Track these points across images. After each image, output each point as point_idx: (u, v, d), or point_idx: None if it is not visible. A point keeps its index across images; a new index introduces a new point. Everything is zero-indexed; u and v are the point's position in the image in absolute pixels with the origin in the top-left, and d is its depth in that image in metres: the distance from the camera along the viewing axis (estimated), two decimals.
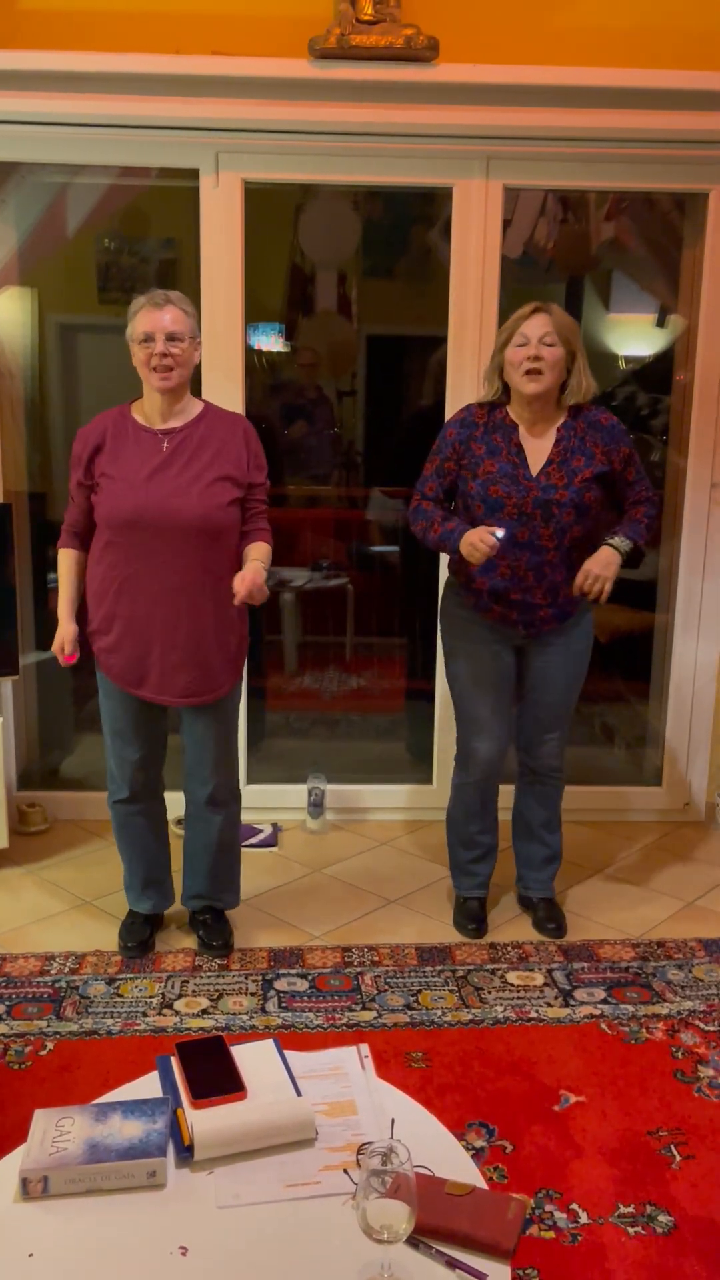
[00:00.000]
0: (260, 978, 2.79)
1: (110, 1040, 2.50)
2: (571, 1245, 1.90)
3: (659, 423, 4.07)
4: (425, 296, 3.95)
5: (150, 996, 2.69)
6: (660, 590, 3.94)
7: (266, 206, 3.66)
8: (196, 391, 2.78)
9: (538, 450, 2.77)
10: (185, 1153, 1.52)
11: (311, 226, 4.21)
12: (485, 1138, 2.18)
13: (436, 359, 3.71)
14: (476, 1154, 2.12)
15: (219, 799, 2.83)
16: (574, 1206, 2.00)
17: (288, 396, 4.51)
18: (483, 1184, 1.50)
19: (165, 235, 4.17)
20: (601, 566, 2.74)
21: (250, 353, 3.64)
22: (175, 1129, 1.56)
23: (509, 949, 2.96)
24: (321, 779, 3.76)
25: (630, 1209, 1.99)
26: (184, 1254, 1.37)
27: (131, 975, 2.79)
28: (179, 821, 3.14)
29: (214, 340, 3.44)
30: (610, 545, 2.77)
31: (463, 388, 3.53)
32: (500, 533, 2.61)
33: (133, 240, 4.17)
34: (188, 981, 2.77)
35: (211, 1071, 1.66)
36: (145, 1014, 2.61)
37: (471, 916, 3.06)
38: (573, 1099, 2.30)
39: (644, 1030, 2.56)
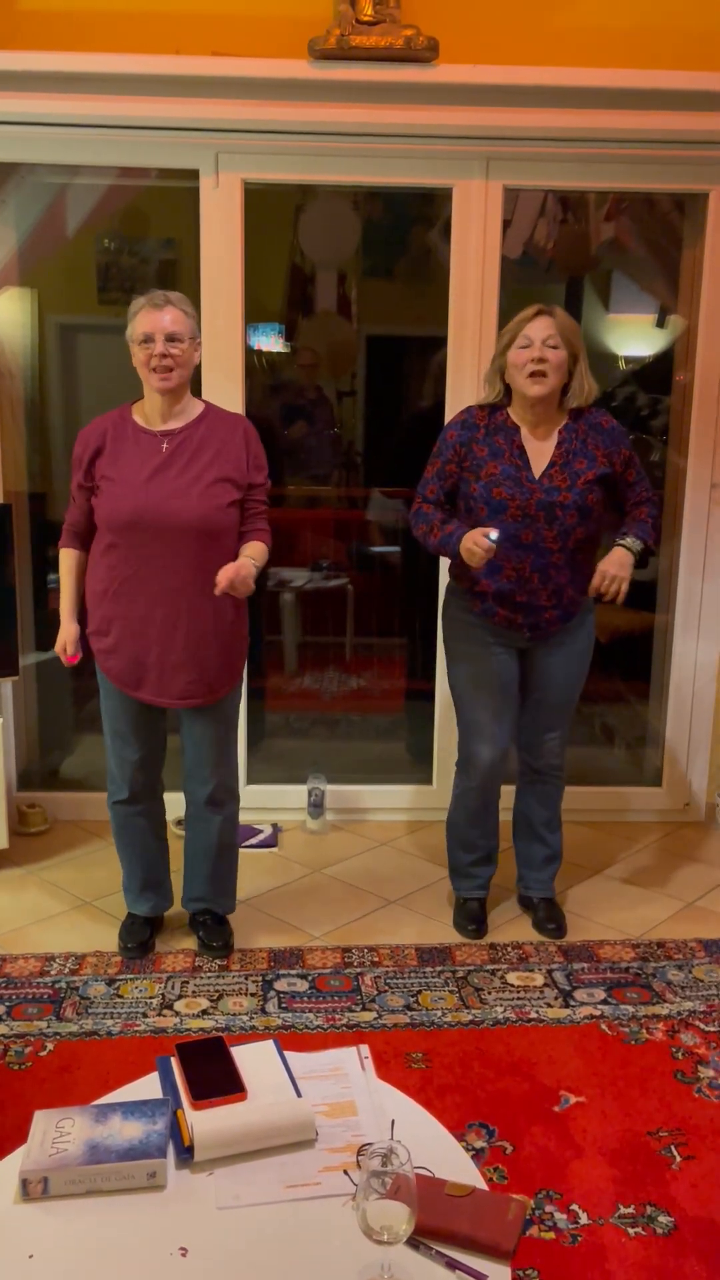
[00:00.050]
0: (260, 978, 2.79)
1: (110, 1041, 2.50)
2: (572, 1246, 1.90)
3: (659, 423, 4.07)
4: (425, 297, 3.95)
5: (150, 997, 2.69)
6: (660, 590, 3.94)
7: (266, 206, 3.66)
8: (196, 392, 2.78)
9: (540, 452, 2.77)
10: (185, 1154, 1.52)
11: (311, 227, 4.21)
12: (485, 1138, 2.18)
13: (436, 360, 3.71)
14: (476, 1155, 2.12)
15: (218, 799, 2.83)
16: (574, 1207, 2.00)
17: (288, 397, 4.51)
18: (483, 1185, 1.50)
19: (165, 235, 4.17)
20: (618, 567, 2.74)
21: (250, 353, 3.64)
22: (175, 1130, 1.56)
23: (509, 949, 2.96)
24: (321, 779, 3.75)
25: (630, 1210, 1.99)
26: (184, 1255, 1.37)
27: (131, 976, 2.79)
28: (179, 822, 3.14)
29: (214, 340, 3.44)
30: (622, 546, 2.78)
31: (462, 388, 3.53)
32: (494, 534, 2.61)
33: (133, 241, 4.17)
34: (188, 982, 2.77)
35: (211, 1072, 1.66)
36: (145, 1015, 2.61)
37: (471, 917, 3.06)
38: (573, 1099, 2.30)
39: (644, 1031, 2.56)
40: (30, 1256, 1.37)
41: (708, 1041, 2.52)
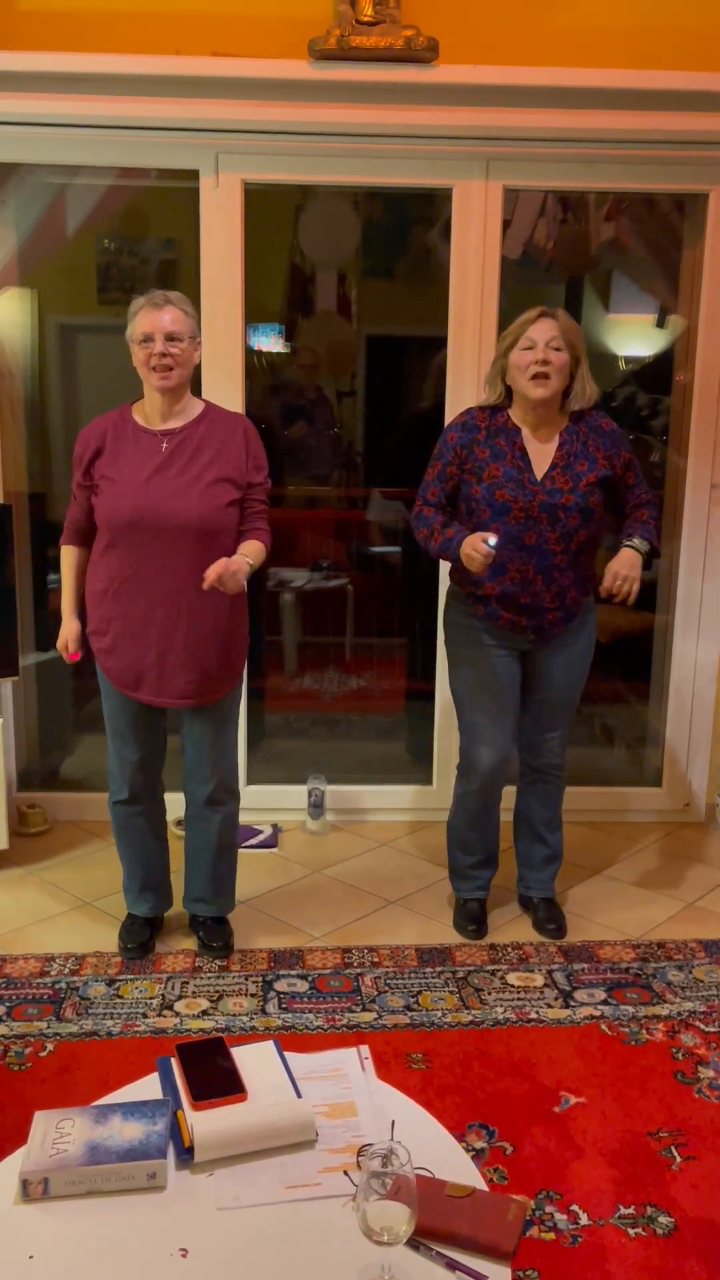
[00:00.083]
0: (260, 979, 2.79)
1: (110, 1041, 2.50)
2: (572, 1247, 1.90)
3: (659, 423, 4.07)
4: (425, 297, 3.95)
5: (150, 998, 2.69)
6: (660, 590, 3.94)
7: (266, 207, 3.66)
8: (196, 392, 2.78)
9: (541, 454, 2.77)
10: (185, 1154, 1.52)
11: (311, 227, 4.21)
12: (485, 1139, 2.18)
13: (436, 360, 3.71)
14: (477, 1155, 2.12)
15: (217, 798, 2.83)
16: (574, 1208, 2.00)
17: (288, 397, 4.51)
18: (483, 1185, 1.50)
19: (165, 236, 4.17)
20: (628, 567, 2.74)
21: (250, 353, 3.64)
22: (175, 1130, 1.56)
23: (509, 950, 2.95)
24: (321, 780, 3.75)
25: (631, 1210, 1.99)
26: (184, 1256, 1.37)
27: (131, 976, 2.79)
28: (179, 822, 3.14)
29: (214, 341, 3.44)
30: (630, 547, 2.77)
31: (462, 388, 3.53)
32: (493, 539, 2.60)
33: (132, 241, 4.17)
34: (188, 983, 2.76)
35: (211, 1073, 1.66)
36: (145, 1015, 2.61)
37: (471, 918, 3.06)
38: (573, 1100, 2.30)
39: (644, 1031, 2.56)
40: (30, 1257, 1.37)
41: (708, 1042, 2.52)
